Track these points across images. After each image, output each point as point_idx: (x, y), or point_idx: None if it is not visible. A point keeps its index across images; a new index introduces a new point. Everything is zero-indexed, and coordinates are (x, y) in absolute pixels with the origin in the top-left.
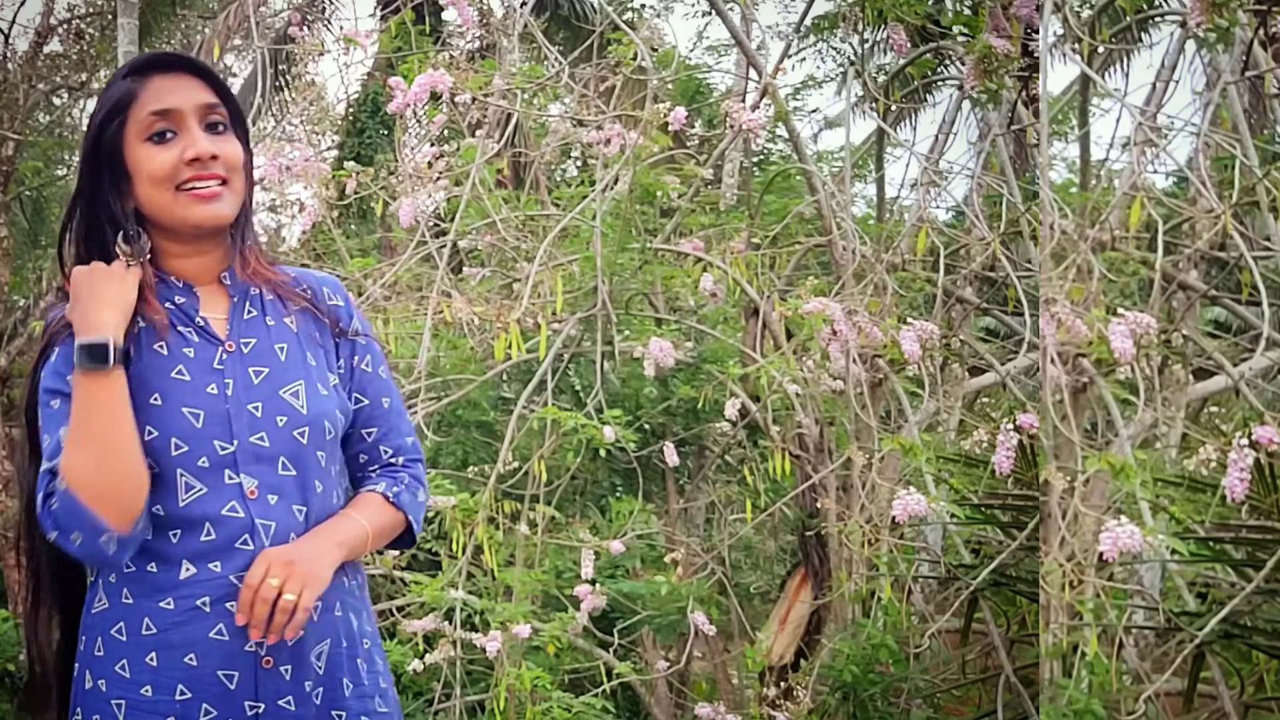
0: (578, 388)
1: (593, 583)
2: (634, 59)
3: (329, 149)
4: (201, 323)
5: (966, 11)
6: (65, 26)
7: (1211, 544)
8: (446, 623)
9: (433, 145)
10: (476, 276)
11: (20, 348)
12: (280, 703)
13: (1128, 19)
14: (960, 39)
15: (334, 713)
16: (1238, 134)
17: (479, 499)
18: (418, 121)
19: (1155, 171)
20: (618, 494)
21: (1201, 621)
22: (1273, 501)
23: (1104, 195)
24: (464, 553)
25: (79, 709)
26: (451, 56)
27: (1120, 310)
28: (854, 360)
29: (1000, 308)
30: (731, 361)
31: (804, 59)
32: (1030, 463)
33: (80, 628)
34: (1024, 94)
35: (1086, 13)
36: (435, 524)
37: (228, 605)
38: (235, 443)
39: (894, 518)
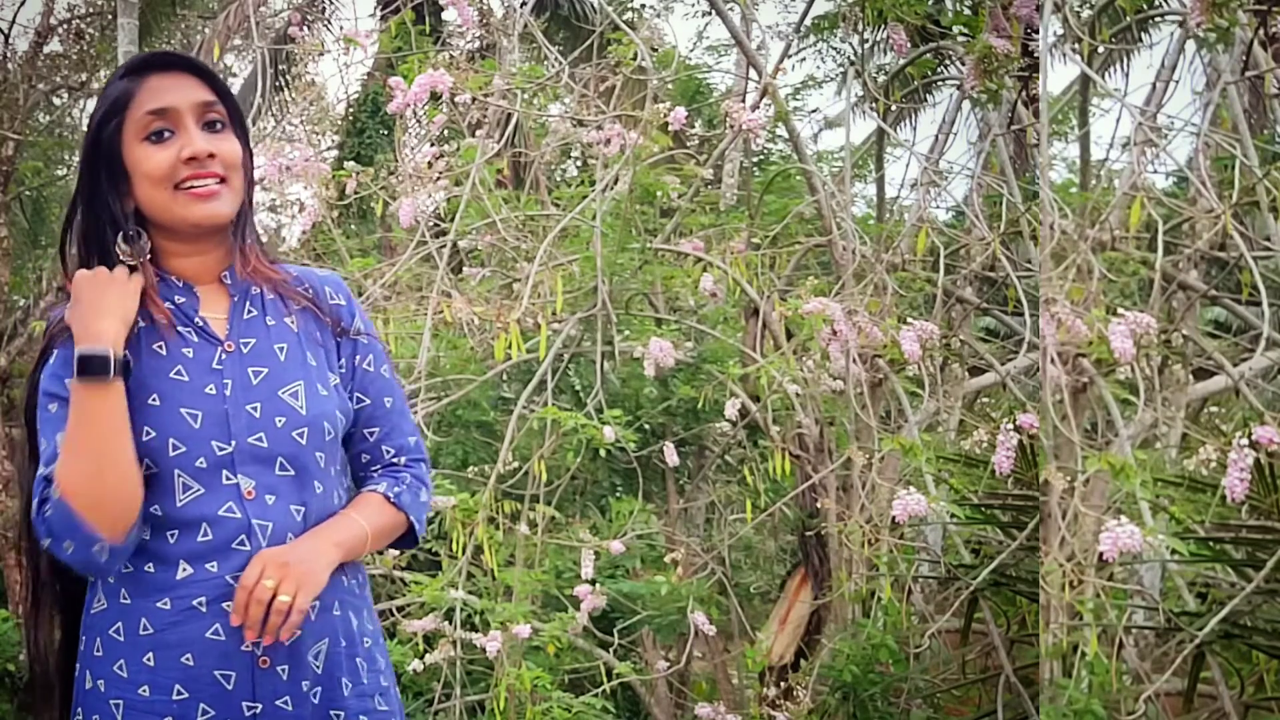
0: (578, 388)
1: (593, 583)
2: (634, 59)
3: (329, 149)
4: (201, 323)
5: (966, 11)
6: (65, 26)
7: (1211, 544)
8: (446, 623)
9: (433, 145)
10: (476, 276)
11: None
12: (278, 703)
13: (1128, 19)
14: (960, 39)
15: (332, 712)
16: (1238, 134)
17: (479, 499)
18: (418, 121)
19: (1155, 171)
20: (618, 494)
21: (1201, 621)
22: (1273, 501)
23: (1104, 195)
24: (464, 553)
25: (79, 709)
26: (451, 56)
27: (1120, 310)
28: (854, 360)
29: (1000, 308)
30: (731, 361)
31: (804, 59)
32: (1030, 463)
33: (80, 628)
34: (1024, 94)
35: (1086, 13)
36: (435, 524)
37: (224, 605)
38: (233, 443)
39: (894, 518)
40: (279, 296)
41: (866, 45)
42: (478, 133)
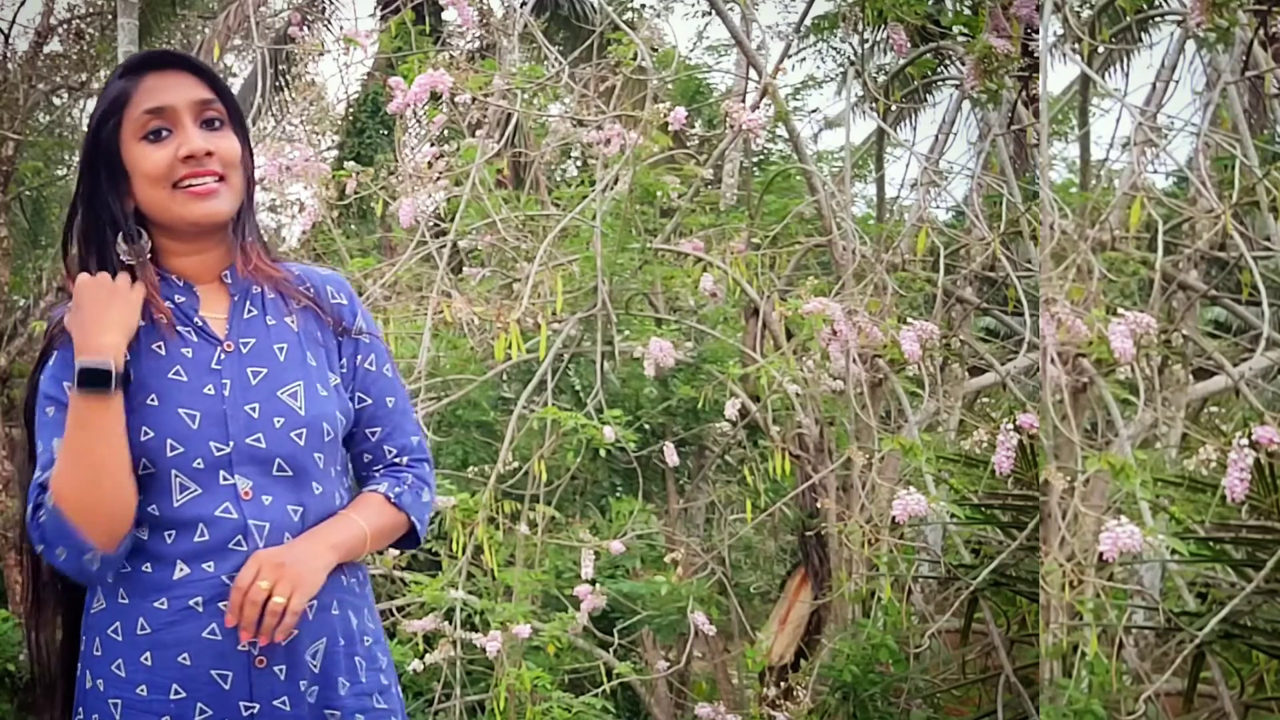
0: (578, 388)
1: (593, 583)
2: (634, 59)
3: (329, 149)
4: (200, 322)
5: (966, 11)
6: (65, 26)
7: (1211, 544)
8: (446, 623)
9: (433, 145)
10: (476, 276)
11: (20, 348)
12: (275, 703)
13: (1128, 19)
14: (960, 39)
15: (328, 712)
16: (1238, 134)
17: (479, 499)
18: (418, 121)
19: (1155, 171)
20: (618, 494)
21: (1201, 621)
22: (1273, 501)
23: (1104, 195)
24: (464, 553)
25: (80, 708)
26: (451, 56)
27: (1120, 310)
28: (854, 360)
29: (1000, 308)
30: (731, 361)
31: (804, 59)
32: (1030, 463)
33: (81, 628)
34: (1024, 94)
35: (1086, 13)
36: (435, 524)
37: (221, 605)
38: (231, 444)
39: (894, 518)
40: (280, 295)
41: (866, 45)
42: (478, 133)
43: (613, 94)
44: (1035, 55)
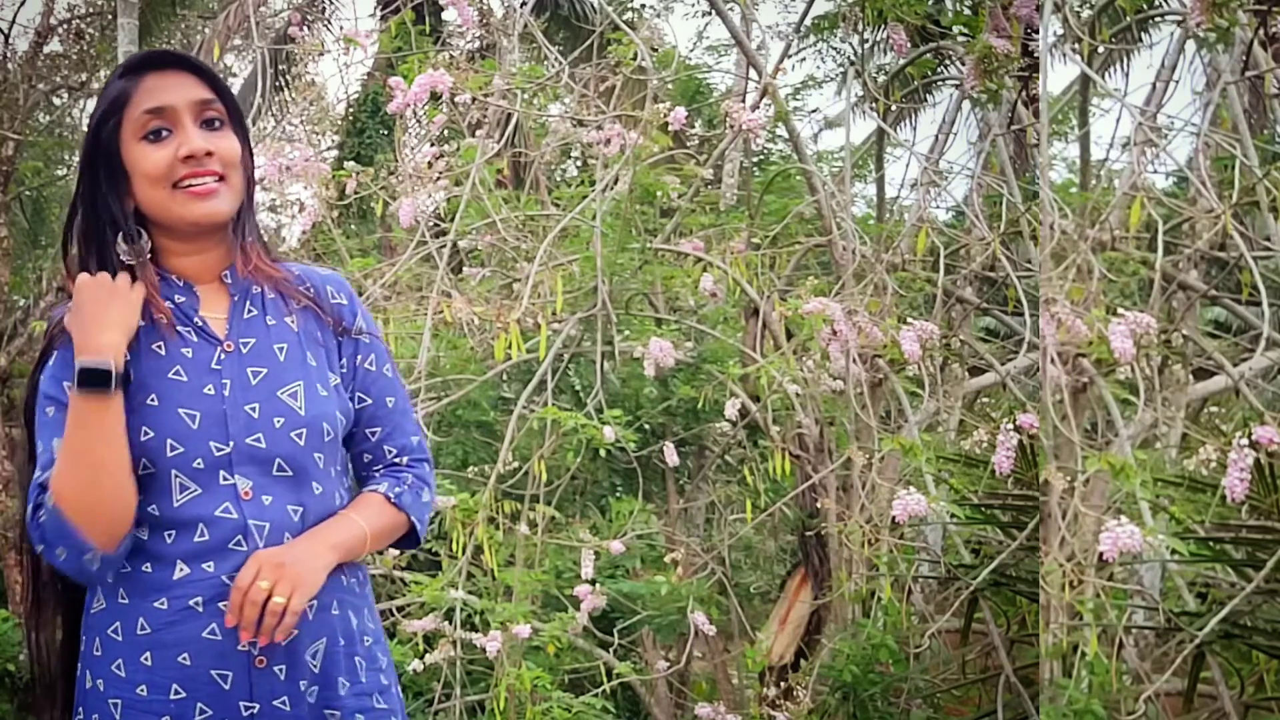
0: (578, 388)
1: (593, 583)
2: (634, 59)
3: (329, 149)
4: (200, 322)
5: (966, 11)
6: (65, 26)
7: (1211, 544)
8: (446, 623)
9: (433, 145)
10: (476, 276)
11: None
12: (275, 703)
13: (1128, 19)
14: (960, 39)
15: (327, 712)
16: (1238, 134)
17: (479, 499)
18: (418, 121)
19: (1155, 171)
20: (618, 494)
21: (1201, 621)
22: (1273, 501)
23: (1104, 195)
24: (464, 553)
25: (80, 708)
26: (451, 56)
27: (1120, 310)
28: (854, 360)
29: (1000, 308)
30: (731, 361)
31: (804, 59)
32: (1030, 463)
33: (81, 628)
34: (1024, 94)
35: (1086, 13)
36: (435, 524)
37: (220, 605)
38: (231, 444)
39: (894, 518)
40: (280, 295)
41: (866, 45)
42: (478, 133)
43: (613, 94)
44: (1035, 55)
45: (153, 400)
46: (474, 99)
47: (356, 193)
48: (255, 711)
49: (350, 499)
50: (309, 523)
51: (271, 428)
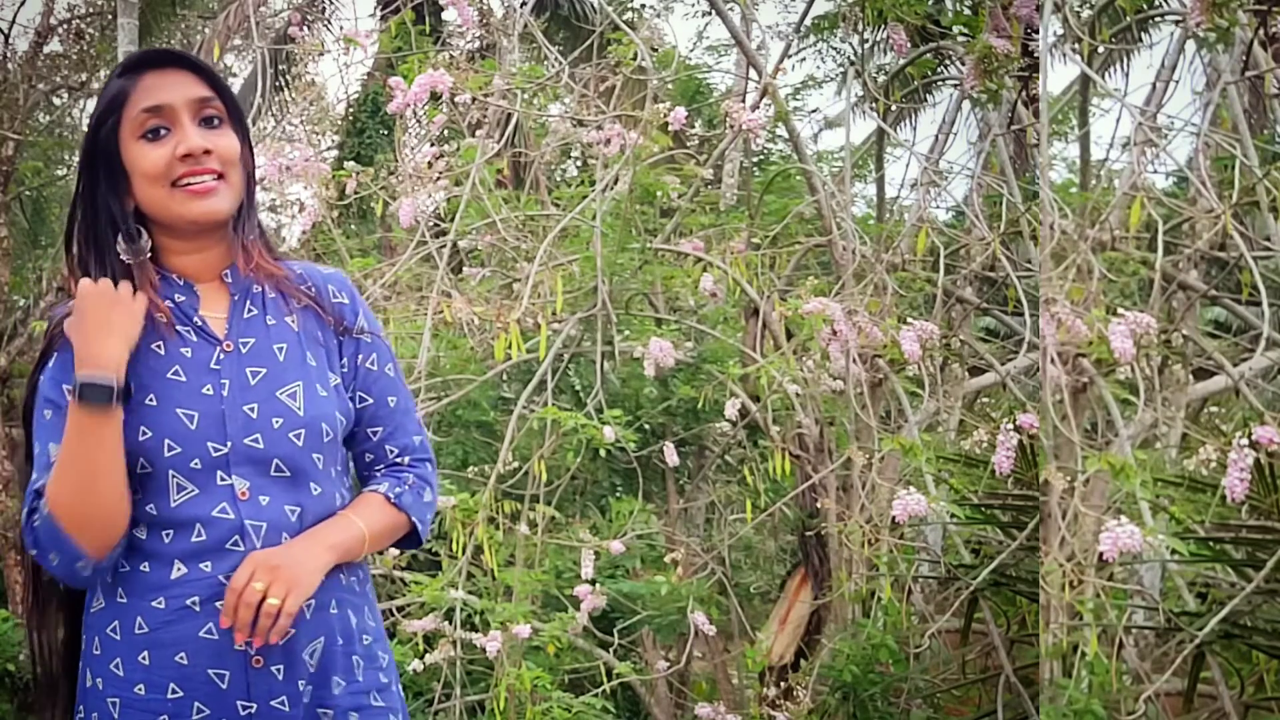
0: (578, 388)
1: (593, 583)
2: (634, 59)
3: (329, 149)
4: (200, 322)
5: (966, 11)
6: (65, 26)
7: (1211, 544)
8: (446, 623)
9: (433, 145)
10: (476, 276)
11: (20, 348)
12: (273, 703)
13: (1128, 19)
14: (960, 39)
15: (320, 710)
16: (1238, 134)
17: (479, 499)
18: (418, 121)
19: (1155, 171)
20: (618, 494)
21: (1201, 621)
22: (1273, 501)
23: (1104, 195)
24: (464, 553)
25: (81, 706)
26: (451, 56)
27: (1120, 310)
28: (854, 360)
29: (1000, 308)
30: (731, 361)
31: (804, 59)
32: (1030, 463)
33: (82, 627)
34: (1024, 94)
35: (1086, 13)
36: (435, 524)
37: (217, 605)
38: (228, 444)
39: (894, 518)
40: (280, 295)
41: (866, 45)
42: (478, 133)
43: (613, 94)
44: (1035, 55)
45: (151, 400)
46: (474, 99)
47: (356, 193)
48: (253, 711)
49: (352, 499)
50: (307, 523)
51: (270, 428)
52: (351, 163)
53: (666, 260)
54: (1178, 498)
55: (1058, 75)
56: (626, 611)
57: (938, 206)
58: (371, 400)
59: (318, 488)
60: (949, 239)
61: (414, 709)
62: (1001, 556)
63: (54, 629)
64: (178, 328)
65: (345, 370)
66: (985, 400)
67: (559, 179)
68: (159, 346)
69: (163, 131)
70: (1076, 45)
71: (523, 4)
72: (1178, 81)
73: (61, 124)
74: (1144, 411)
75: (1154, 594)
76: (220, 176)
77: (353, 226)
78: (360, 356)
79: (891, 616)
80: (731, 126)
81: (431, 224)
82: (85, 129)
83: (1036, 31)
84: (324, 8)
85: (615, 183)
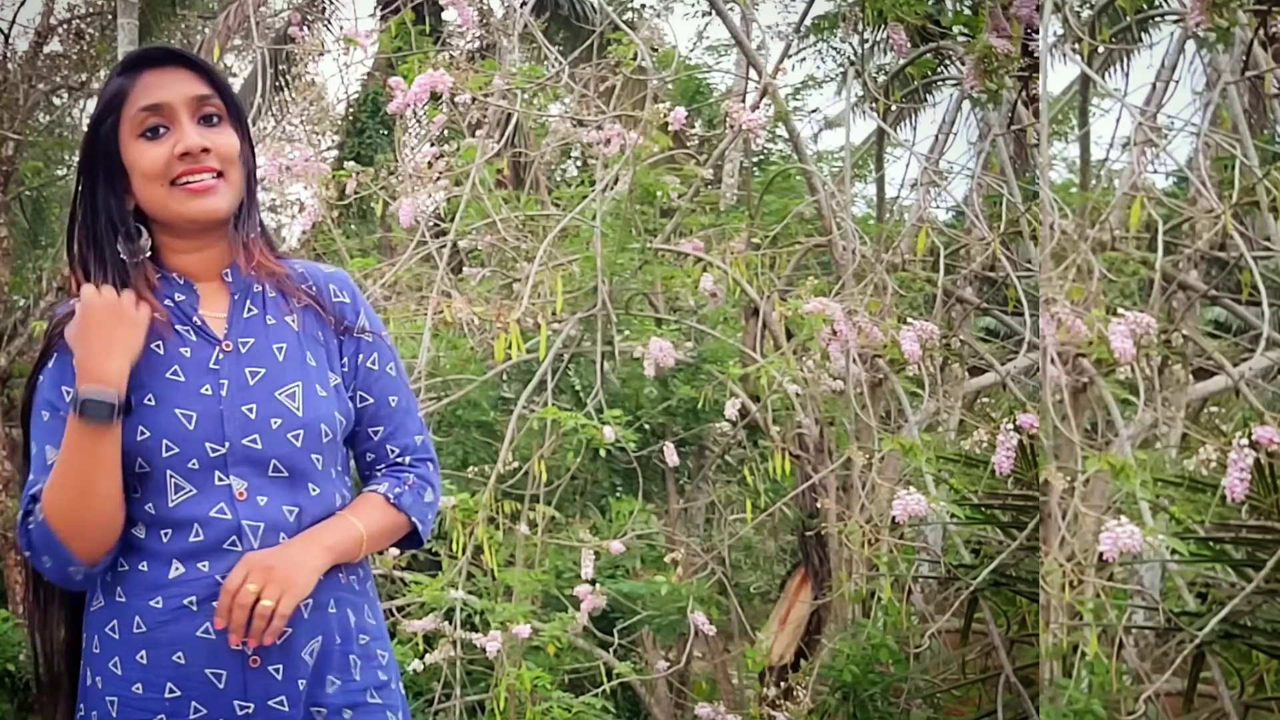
0: (578, 388)
1: (593, 583)
2: (634, 59)
3: (329, 149)
4: (199, 322)
5: (966, 11)
6: (65, 26)
7: (1211, 544)
8: (446, 623)
9: (433, 145)
10: (476, 276)
11: (20, 348)
12: (271, 703)
13: (1128, 19)
14: (960, 39)
15: (313, 709)
16: (1238, 134)
17: (479, 499)
18: (418, 121)
19: (1155, 171)
20: (618, 494)
21: (1201, 621)
22: (1273, 501)
23: (1104, 195)
24: (464, 553)
25: (82, 705)
26: (451, 56)
27: (1120, 310)
28: (854, 360)
29: (1000, 308)
30: (731, 361)
31: (804, 59)
32: (1030, 463)
33: (83, 626)
34: (1024, 94)
35: (1086, 13)
36: (435, 524)
37: (214, 605)
38: (227, 445)
39: (894, 518)
40: (281, 294)
41: (866, 45)
42: (478, 133)
43: (613, 94)
44: (1035, 55)
45: (150, 400)
46: (474, 99)
47: (356, 193)
48: (250, 711)
49: (352, 499)
50: (305, 523)
51: (268, 429)
52: (351, 163)
53: (666, 260)
54: (1178, 498)
55: (1058, 75)
56: (626, 611)
57: (938, 206)
58: (372, 400)
59: (316, 488)
60: (949, 239)
61: (414, 709)
62: (1001, 556)
63: (55, 628)
64: (177, 327)
65: (346, 370)
66: (985, 400)
67: (559, 179)
68: (158, 346)
69: (161, 130)
70: (1076, 45)
71: (523, 4)
72: (1178, 81)
73: (61, 124)
74: (1144, 411)
75: (1154, 594)
76: (220, 175)
77: (353, 226)
78: (361, 356)
79: (891, 616)
80: (731, 126)
81: (431, 224)
82: (85, 129)
83: (1036, 31)
84: (324, 8)
85: (615, 183)
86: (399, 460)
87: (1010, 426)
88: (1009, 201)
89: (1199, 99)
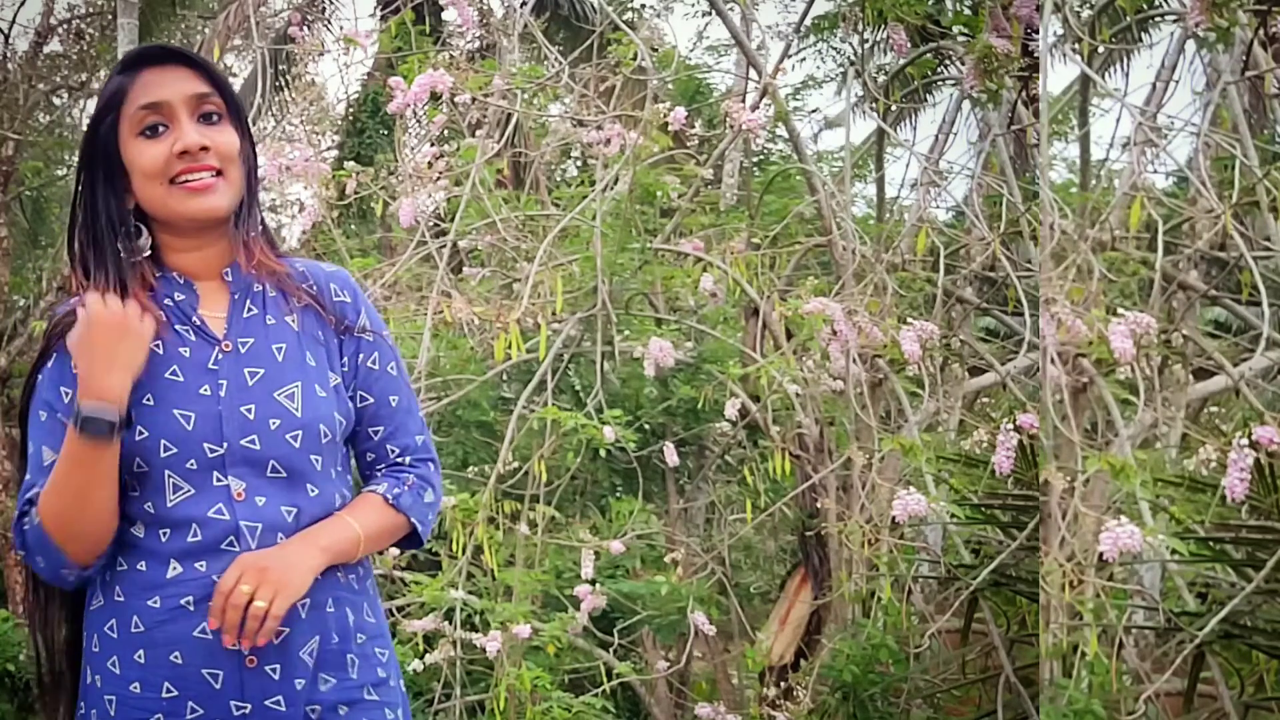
0: (578, 388)
1: (593, 583)
2: (634, 59)
3: (329, 149)
4: (199, 321)
5: (966, 11)
6: (65, 26)
7: (1211, 544)
8: (446, 623)
9: (433, 145)
10: (476, 276)
11: (20, 348)
12: (268, 703)
13: (1128, 19)
14: (960, 39)
15: (308, 708)
16: (1238, 134)
17: (479, 499)
18: (418, 121)
19: (1155, 171)
20: (618, 494)
21: (1201, 621)
22: (1273, 501)
23: (1104, 195)
24: (464, 553)
25: (82, 703)
26: (451, 56)
27: (1120, 310)
28: (854, 360)
29: (1000, 308)
30: (731, 361)
31: (804, 59)
32: (1030, 463)
33: (83, 625)
34: (1024, 94)
35: (1086, 13)
36: (436, 524)
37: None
38: (225, 445)
39: (894, 518)
40: (281, 293)
41: (866, 45)
42: (478, 133)
43: (613, 94)
44: (1035, 55)
45: (149, 400)
46: (474, 99)
47: (356, 193)
48: (247, 711)
49: (353, 499)
50: (304, 524)
51: (267, 429)
52: (351, 163)
53: (666, 260)
54: (1178, 498)
55: (1058, 75)
56: (626, 611)
57: (938, 206)
58: (372, 400)
59: (315, 489)
60: (949, 239)
61: (414, 709)
62: (1001, 556)
63: (56, 627)
64: (176, 327)
65: (346, 369)
66: (985, 400)
67: (559, 179)
68: (158, 346)
69: (161, 128)
70: (1076, 45)
71: (523, 4)
72: (1178, 81)
73: (61, 124)
74: (1144, 411)
75: (1154, 594)
76: (219, 173)
77: (353, 226)
78: (361, 356)
79: (891, 616)
80: (731, 126)
81: (431, 224)
82: (85, 128)
83: (1036, 31)
84: (324, 8)
85: (615, 183)
86: (399, 460)
87: (1010, 426)
88: (1009, 201)
89: (1199, 99)
